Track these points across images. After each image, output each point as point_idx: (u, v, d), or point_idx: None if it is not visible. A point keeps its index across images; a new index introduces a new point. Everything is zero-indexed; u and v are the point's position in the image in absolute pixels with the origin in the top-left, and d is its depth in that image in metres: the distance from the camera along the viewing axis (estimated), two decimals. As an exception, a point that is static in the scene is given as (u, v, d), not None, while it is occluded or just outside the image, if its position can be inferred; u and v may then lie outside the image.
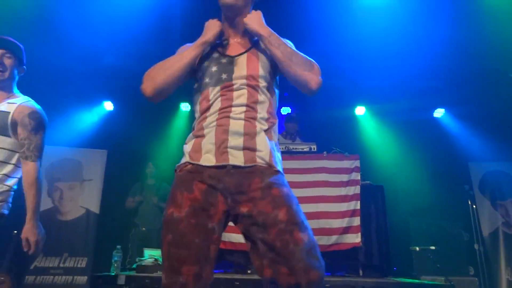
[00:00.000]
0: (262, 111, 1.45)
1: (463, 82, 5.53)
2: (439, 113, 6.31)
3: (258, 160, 1.36)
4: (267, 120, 1.45)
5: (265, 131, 1.43)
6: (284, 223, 1.23)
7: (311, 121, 5.66)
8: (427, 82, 5.95)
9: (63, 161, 5.44)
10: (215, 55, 1.53)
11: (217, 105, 1.42)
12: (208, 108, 1.44)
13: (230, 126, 1.38)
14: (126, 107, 5.90)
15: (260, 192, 1.30)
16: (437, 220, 4.78)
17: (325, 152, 4.01)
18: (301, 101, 6.17)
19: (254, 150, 1.37)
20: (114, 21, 4.57)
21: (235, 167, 1.34)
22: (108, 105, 6.05)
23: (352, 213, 3.81)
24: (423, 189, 5.48)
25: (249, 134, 1.39)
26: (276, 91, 1.56)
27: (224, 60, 1.50)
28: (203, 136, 1.40)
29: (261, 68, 1.48)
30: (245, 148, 1.37)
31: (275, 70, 1.53)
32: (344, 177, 3.94)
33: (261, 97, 1.46)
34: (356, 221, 3.79)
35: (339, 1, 4.63)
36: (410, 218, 4.91)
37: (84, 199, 5.38)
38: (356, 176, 3.93)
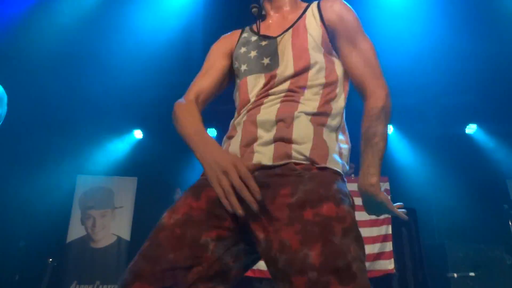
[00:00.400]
0: (310, 95, 1.12)
1: (495, 97, 5.34)
2: (471, 129, 6.08)
3: (295, 154, 1.00)
4: (319, 107, 1.10)
5: (313, 115, 1.08)
6: (317, 270, 0.84)
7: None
8: (457, 97, 5.79)
9: (95, 190, 5.61)
10: (253, 37, 1.30)
11: (253, 97, 1.17)
12: (245, 102, 1.18)
13: (260, 114, 1.09)
14: (155, 135, 6.05)
15: (286, 211, 0.92)
16: (476, 243, 4.53)
17: (352, 175, 3.93)
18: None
19: (289, 141, 1.02)
20: (141, 52, 4.76)
21: (260, 168, 1.00)
22: (138, 133, 6.24)
23: (384, 238, 3.70)
24: (458, 210, 5.24)
25: (284, 120, 1.06)
26: (340, 76, 1.20)
27: (264, 43, 1.25)
28: (233, 136, 1.15)
29: (311, 44, 1.19)
30: (276, 140, 1.04)
31: (333, 44, 1.22)
32: (374, 201, 3.83)
33: (311, 81, 1.14)
34: (388, 246, 3.67)
35: (365, 16, 4.62)
36: (446, 242, 4.67)
37: (115, 226, 5.50)
38: (386, 199, 3.81)
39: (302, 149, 1.01)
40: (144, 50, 4.74)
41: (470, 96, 5.70)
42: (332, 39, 1.21)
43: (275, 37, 1.24)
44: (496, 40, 4.56)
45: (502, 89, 5.14)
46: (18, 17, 4.28)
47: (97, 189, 5.63)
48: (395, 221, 3.75)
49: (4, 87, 2.11)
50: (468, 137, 6.07)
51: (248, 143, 1.07)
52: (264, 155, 1.02)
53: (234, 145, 1.10)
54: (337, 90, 1.18)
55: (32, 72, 4.65)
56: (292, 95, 1.11)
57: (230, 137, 1.16)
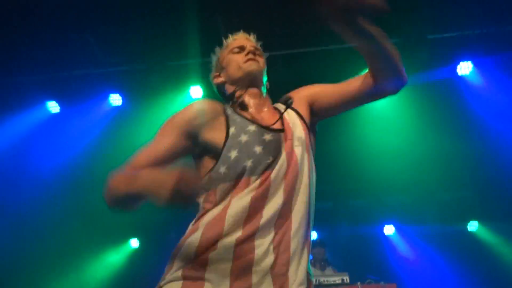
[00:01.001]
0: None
1: (495, 194, 5.36)
2: (473, 226, 6.00)
3: None
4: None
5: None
6: None
7: (338, 245, 5.45)
8: (456, 193, 5.82)
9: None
10: (251, 127, 1.18)
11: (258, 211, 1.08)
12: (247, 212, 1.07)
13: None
14: (151, 244, 5.89)
15: None
16: None
17: (358, 283, 3.74)
18: (324, 223, 6.05)
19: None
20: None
21: None
22: (134, 242, 6.06)
23: None
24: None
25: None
26: None
27: (268, 137, 1.16)
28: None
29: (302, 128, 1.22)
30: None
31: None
32: (384, 310, 3.59)
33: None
34: None
35: (363, 128, 4.85)
36: None
37: None
38: (397, 308, 3.58)
39: None
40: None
41: (468, 192, 5.74)
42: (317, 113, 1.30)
43: (276, 132, 1.18)
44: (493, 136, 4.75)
45: (505, 187, 5.17)
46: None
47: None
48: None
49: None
50: (471, 235, 5.95)
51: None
52: None
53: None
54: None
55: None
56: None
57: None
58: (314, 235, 6.10)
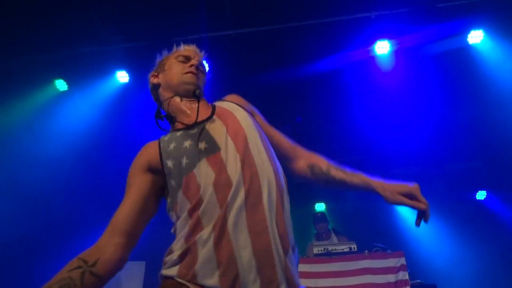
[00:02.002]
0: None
1: (505, 164, 5.35)
2: (482, 195, 6.03)
3: None
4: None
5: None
6: None
7: (346, 216, 5.54)
8: (465, 163, 5.82)
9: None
10: (178, 133, 1.21)
11: (210, 193, 1.07)
12: (200, 201, 1.07)
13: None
14: (162, 218, 6.03)
15: None
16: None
17: (366, 251, 3.83)
18: (332, 194, 6.12)
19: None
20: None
21: None
22: (146, 216, 6.21)
23: (405, 318, 3.47)
24: (483, 282, 4.97)
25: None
26: None
27: (192, 131, 1.20)
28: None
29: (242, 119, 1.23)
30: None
31: None
32: (391, 278, 3.67)
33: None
34: (411, 327, 3.43)
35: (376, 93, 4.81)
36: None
37: (123, 315, 5.23)
38: (404, 275, 3.66)
39: None
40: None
41: (478, 162, 5.74)
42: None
43: (201, 122, 1.21)
44: (500, 108, 4.70)
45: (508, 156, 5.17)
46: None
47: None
48: (416, 299, 3.55)
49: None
50: (479, 203, 5.98)
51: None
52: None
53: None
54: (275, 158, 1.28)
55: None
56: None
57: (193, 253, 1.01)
58: (322, 206, 6.20)
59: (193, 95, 1.26)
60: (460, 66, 4.45)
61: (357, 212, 5.74)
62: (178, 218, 1.11)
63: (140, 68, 4.54)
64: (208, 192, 1.05)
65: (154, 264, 5.57)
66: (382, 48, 4.23)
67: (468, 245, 5.34)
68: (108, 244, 1.09)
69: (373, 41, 4.20)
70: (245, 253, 0.98)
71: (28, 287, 5.13)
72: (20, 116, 4.68)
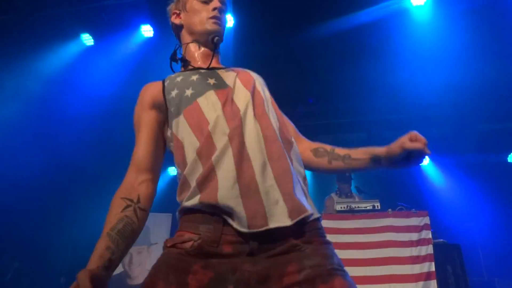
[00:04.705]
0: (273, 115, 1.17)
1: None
2: (514, 157, 5.81)
3: (307, 208, 1.01)
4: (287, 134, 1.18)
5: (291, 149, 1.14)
6: None
7: (370, 175, 5.50)
8: (495, 124, 5.60)
9: (132, 226, 5.73)
10: (186, 73, 1.23)
11: (216, 120, 1.07)
12: (205, 127, 1.07)
13: (248, 148, 1.04)
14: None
15: None
16: (529, 280, 4.21)
17: (389, 210, 3.82)
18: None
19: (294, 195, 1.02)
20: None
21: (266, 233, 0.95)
22: (172, 170, 6.38)
23: (427, 276, 3.50)
24: (507, 244, 4.92)
25: (278, 162, 1.05)
26: None
27: (202, 71, 1.23)
28: (212, 178, 1.02)
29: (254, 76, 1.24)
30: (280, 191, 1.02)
31: None
32: (414, 236, 3.68)
33: (266, 101, 1.19)
34: (433, 285, 3.46)
35: (403, 49, 4.61)
36: (495, 280, 4.38)
37: (151, 263, 5.51)
38: (427, 234, 3.66)
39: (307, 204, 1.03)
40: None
41: (510, 123, 5.50)
42: None
43: (213, 68, 1.23)
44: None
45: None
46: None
47: (134, 225, 5.74)
48: (439, 258, 3.56)
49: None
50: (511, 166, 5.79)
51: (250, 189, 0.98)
52: (277, 214, 0.96)
53: (225, 188, 0.98)
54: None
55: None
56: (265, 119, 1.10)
57: (209, 179, 1.00)
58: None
59: (212, 41, 1.24)
60: (501, 22, 4.14)
61: (381, 172, 5.68)
62: (180, 149, 1.11)
63: (165, 22, 4.47)
64: (214, 118, 1.07)
65: (180, 216, 5.80)
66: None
67: (495, 208, 5.24)
68: (137, 181, 1.12)
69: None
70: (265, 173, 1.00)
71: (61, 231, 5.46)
72: (47, 71, 4.76)
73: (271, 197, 0.97)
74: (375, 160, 1.18)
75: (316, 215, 1.05)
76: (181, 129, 1.11)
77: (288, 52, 4.71)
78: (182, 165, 1.09)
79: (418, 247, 3.63)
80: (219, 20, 1.28)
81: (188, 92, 1.14)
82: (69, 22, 4.41)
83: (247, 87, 1.15)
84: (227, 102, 1.10)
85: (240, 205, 0.95)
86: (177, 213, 1.09)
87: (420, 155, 1.12)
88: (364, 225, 3.77)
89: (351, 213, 3.88)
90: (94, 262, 0.95)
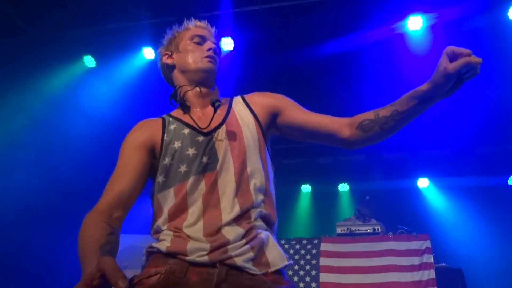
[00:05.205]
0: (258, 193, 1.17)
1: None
2: (513, 180, 5.80)
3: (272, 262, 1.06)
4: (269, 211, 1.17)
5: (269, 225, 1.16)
6: None
7: (370, 197, 5.47)
8: (496, 146, 5.61)
9: (129, 249, 5.63)
10: (185, 130, 1.20)
11: (195, 204, 1.10)
12: (183, 209, 1.10)
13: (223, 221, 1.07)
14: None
15: None
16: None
17: (390, 233, 3.80)
18: (356, 174, 6.05)
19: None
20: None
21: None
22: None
23: (430, 302, 3.44)
24: (511, 267, 4.85)
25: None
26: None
27: (201, 138, 1.17)
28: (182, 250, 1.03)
29: (248, 141, 1.20)
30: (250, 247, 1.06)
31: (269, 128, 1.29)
32: (415, 260, 3.64)
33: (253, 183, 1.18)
34: (436, 311, 3.40)
35: (389, 69, 4.67)
36: (499, 305, 4.31)
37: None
38: (429, 258, 3.62)
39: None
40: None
41: (510, 146, 5.52)
42: (273, 119, 1.28)
43: (210, 133, 1.18)
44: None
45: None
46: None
47: (131, 248, 5.65)
48: (441, 283, 3.51)
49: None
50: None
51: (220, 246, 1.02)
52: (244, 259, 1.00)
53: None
54: (271, 188, 1.21)
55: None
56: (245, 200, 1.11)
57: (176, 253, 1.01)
58: (346, 187, 6.16)
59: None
60: (497, 44, 4.21)
61: (381, 194, 5.66)
62: (158, 208, 1.13)
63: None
64: (196, 203, 1.09)
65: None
66: (415, 24, 4.05)
67: (497, 231, 5.19)
68: (115, 214, 1.09)
69: (405, 16, 4.02)
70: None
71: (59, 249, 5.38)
72: (49, 91, 4.80)
73: (238, 244, 1.01)
74: (424, 100, 1.12)
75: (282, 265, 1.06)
76: (166, 196, 1.12)
77: (285, 74, 4.77)
78: (158, 218, 1.12)
79: (420, 271, 3.58)
80: (213, 59, 1.28)
81: (182, 168, 1.13)
82: (72, 44, 4.48)
83: (235, 163, 1.14)
84: (212, 191, 1.10)
85: (206, 243, 1.00)
86: (144, 251, 1.07)
87: (470, 68, 1.03)
88: (365, 248, 3.73)
89: (351, 236, 3.84)
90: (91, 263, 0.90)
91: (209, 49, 1.28)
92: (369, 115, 1.22)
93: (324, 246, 3.74)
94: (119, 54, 4.59)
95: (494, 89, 4.64)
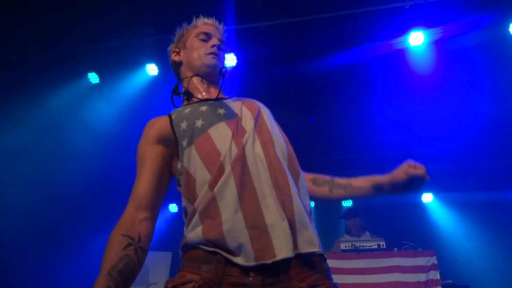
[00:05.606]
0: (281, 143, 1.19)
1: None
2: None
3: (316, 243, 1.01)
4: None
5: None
6: None
7: (374, 213, 5.42)
8: (500, 161, 5.58)
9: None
10: (193, 105, 1.23)
11: (229, 152, 1.06)
12: (218, 160, 1.05)
13: (260, 187, 1.02)
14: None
15: None
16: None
17: (395, 249, 3.74)
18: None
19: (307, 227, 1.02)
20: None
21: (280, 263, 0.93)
22: (172, 207, 6.31)
23: (437, 320, 3.36)
24: (518, 285, 4.76)
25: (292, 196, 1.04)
26: None
27: (210, 101, 1.24)
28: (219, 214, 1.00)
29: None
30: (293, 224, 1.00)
31: None
32: (422, 277, 3.57)
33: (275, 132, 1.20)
34: (443, 329, 3.32)
35: (394, 89, 4.69)
36: (508, 323, 4.20)
37: (149, 304, 5.34)
38: (435, 275, 3.54)
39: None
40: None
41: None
42: None
43: (221, 99, 1.25)
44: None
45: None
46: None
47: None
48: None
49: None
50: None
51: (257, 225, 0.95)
52: (284, 244, 0.93)
53: (236, 225, 0.95)
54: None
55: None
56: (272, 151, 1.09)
57: (215, 215, 0.98)
58: (349, 202, 6.09)
59: (219, 73, 1.30)
60: (498, 59, 4.23)
61: (386, 209, 5.61)
62: (190, 182, 1.08)
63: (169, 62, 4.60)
64: (225, 149, 1.06)
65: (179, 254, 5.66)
66: (416, 39, 4.08)
67: (503, 246, 5.11)
68: (138, 218, 1.09)
69: (406, 32, 4.06)
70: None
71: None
72: (53, 108, 4.82)
73: (277, 229, 0.94)
74: (377, 188, 1.24)
75: (323, 253, 1.04)
76: (193, 162, 1.08)
77: (288, 90, 4.79)
78: (192, 198, 1.07)
79: (427, 288, 3.51)
80: (216, 55, 1.33)
81: (199, 123, 1.13)
82: (76, 60, 4.53)
83: (253, 115, 1.17)
84: (237, 132, 1.11)
85: (245, 236, 0.93)
86: (180, 249, 1.07)
87: (420, 181, 1.22)
88: (369, 265, 3.67)
89: (355, 252, 3.78)
90: None
91: (213, 46, 1.33)
92: (325, 176, 1.32)
93: (328, 263, 3.69)
94: (123, 70, 4.64)
95: (497, 104, 4.64)
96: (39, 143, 4.92)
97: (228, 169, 1.01)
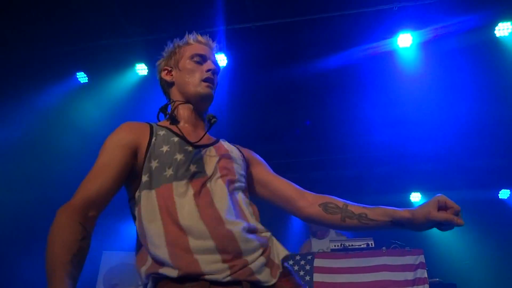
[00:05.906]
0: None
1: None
2: (505, 194, 5.85)
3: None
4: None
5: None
6: None
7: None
8: (487, 160, 5.67)
9: (121, 266, 5.54)
10: (175, 138, 1.18)
11: (188, 207, 1.07)
12: (172, 208, 1.06)
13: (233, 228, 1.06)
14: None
15: None
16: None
17: (384, 248, 3.78)
18: (348, 189, 6.05)
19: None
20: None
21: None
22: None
23: (424, 317, 3.41)
24: (504, 283, 4.84)
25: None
26: None
27: (190, 148, 1.16)
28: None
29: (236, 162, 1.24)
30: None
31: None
32: (409, 275, 3.61)
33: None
34: (430, 327, 3.37)
35: (385, 87, 4.73)
36: (494, 321, 4.29)
37: (139, 305, 5.31)
38: (423, 273, 3.59)
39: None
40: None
41: (501, 160, 5.58)
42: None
43: (200, 147, 1.18)
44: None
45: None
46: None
47: (123, 265, 5.55)
48: (435, 298, 3.48)
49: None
50: (503, 203, 5.81)
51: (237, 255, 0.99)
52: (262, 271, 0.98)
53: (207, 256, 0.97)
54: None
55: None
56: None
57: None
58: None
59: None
60: (485, 60, 4.30)
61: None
62: (142, 217, 1.08)
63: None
64: (187, 205, 1.06)
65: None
66: (405, 41, 4.13)
67: (489, 245, 5.20)
68: (89, 213, 1.05)
69: (394, 34, 4.10)
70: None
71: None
72: (41, 107, 4.77)
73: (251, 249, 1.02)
74: (396, 223, 1.14)
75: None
76: (150, 205, 1.08)
77: (278, 90, 4.81)
78: (142, 236, 1.07)
79: (414, 286, 3.55)
80: (212, 83, 1.29)
81: (168, 172, 1.09)
82: (64, 60, 4.48)
83: (223, 180, 1.14)
84: (199, 193, 1.08)
85: (219, 261, 0.96)
86: (144, 274, 1.02)
87: (450, 225, 1.08)
88: (358, 264, 3.70)
89: (344, 251, 3.81)
90: None
91: (208, 70, 1.28)
92: (337, 201, 1.24)
93: (317, 262, 3.71)
94: (112, 70, 4.60)
95: (485, 105, 4.72)
96: (27, 142, 4.86)
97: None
